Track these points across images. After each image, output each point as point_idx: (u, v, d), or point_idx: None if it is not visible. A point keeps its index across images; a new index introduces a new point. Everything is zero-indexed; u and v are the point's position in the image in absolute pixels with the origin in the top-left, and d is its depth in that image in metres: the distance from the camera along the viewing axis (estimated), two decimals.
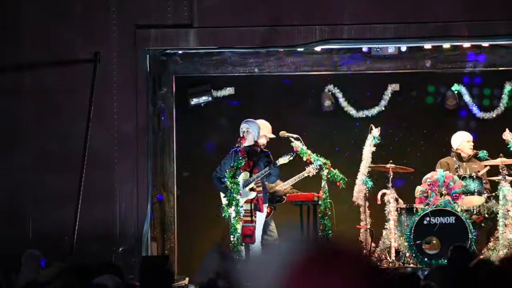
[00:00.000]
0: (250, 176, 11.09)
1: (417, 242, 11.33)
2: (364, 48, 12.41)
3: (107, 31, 11.68)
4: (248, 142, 11.12)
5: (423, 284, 4.94)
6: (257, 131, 11.21)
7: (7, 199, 11.52)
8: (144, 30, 11.69)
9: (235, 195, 10.94)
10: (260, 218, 11.15)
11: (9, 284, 6.52)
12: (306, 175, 11.74)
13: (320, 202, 11.39)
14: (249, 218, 10.97)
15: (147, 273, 6.34)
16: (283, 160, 11.20)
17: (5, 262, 8.14)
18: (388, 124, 12.59)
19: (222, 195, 11.28)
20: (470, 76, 12.94)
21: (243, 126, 11.18)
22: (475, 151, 12.14)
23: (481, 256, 10.65)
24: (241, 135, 11.14)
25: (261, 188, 11.14)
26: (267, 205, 11.39)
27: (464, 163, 12.06)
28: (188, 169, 12.74)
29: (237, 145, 11.08)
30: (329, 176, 11.39)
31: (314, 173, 11.63)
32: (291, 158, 11.27)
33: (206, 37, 11.76)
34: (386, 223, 11.62)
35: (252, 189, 11.09)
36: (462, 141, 12.13)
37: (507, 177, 11.48)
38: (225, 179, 11.03)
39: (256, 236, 11.04)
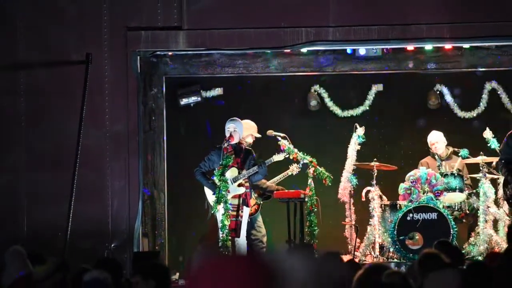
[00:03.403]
0: (239, 172, 11.13)
1: (401, 237, 11.36)
2: (349, 49, 12.43)
3: (98, 33, 11.62)
4: (235, 140, 11.17)
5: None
6: (242, 129, 11.27)
7: (1, 197, 11.47)
8: (135, 32, 11.66)
9: (223, 192, 10.97)
10: (246, 213, 11.19)
11: None
12: (290, 173, 11.80)
13: (306, 199, 11.35)
14: (235, 213, 11.01)
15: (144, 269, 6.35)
16: (277, 157, 11.27)
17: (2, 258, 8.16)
18: (372, 123, 12.62)
19: (206, 190, 11.31)
20: (451, 77, 12.97)
21: (230, 126, 11.20)
22: (453, 148, 12.20)
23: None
24: (229, 134, 11.17)
25: (248, 184, 11.19)
26: (252, 200, 11.45)
27: (445, 161, 12.11)
28: (178, 168, 12.74)
29: (225, 143, 11.10)
30: (315, 173, 11.38)
31: (297, 172, 11.68)
32: (287, 155, 11.33)
33: (195, 39, 11.72)
34: (370, 219, 11.65)
35: (240, 185, 11.14)
36: (428, 143, 12.22)
37: (487, 175, 11.54)
38: (214, 177, 11.08)
39: (241, 231, 11.08)
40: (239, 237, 11.02)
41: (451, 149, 12.18)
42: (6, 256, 6.63)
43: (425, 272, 5.41)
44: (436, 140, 12.17)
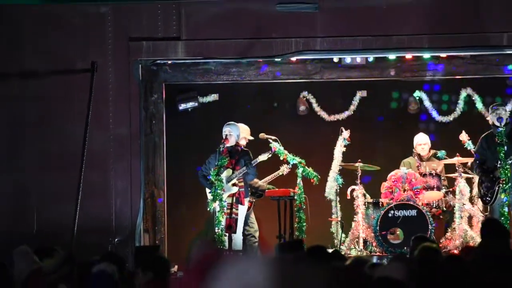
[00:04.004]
0: (233, 173, 11.16)
1: (383, 232, 11.40)
2: (335, 58, 12.44)
3: (103, 43, 11.63)
4: (230, 143, 11.19)
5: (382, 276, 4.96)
6: (238, 133, 11.29)
7: (13, 196, 11.47)
8: (137, 43, 11.67)
9: (219, 191, 11.00)
10: (242, 210, 11.22)
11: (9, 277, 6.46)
12: (280, 173, 11.82)
13: (295, 197, 11.39)
14: (229, 211, 11.03)
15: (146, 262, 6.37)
16: (262, 157, 11.28)
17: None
18: (356, 127, 12.64)
19: (207, 190, 11.35)
20: (430, 84, 12.98)
21: (226, 129, 11.22)
22: (433, 151, 12.23)
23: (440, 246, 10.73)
24: (225, 137, 11.20)
25: (242, 184, 11.21)
26: (248, 199, 11.47)
27: (424, 162, 12.14)
28: (177, 168, 12.75)
29: (221, 145, 11.14)
30: (303, 173, 11.43)
31: (287, 172, 11.72)
32: (270, 155, 11.36)
33: (193, 49, 11.73)
34: (355, 216, 11.65)
35: (234, 185, 11.17)
36: (415, 143, 12.20)
37: (463, 174, 11.55)
38: (210, 176, 11.11)
39: (237, 227, 11.11)
40: (235, 233, 11.05)
41: (432, 151, 12.21)
42: (14, 255, 6.63)
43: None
44: (424, 141, 12.17)
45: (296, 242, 8.57)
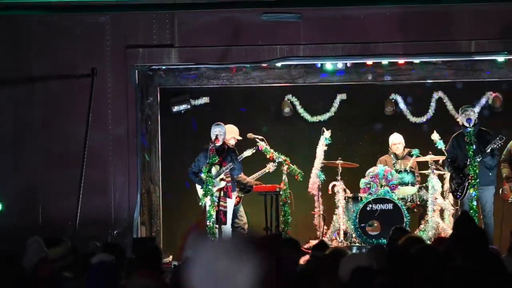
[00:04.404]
0: (220, 169, 11.19)
1: (362, 225, 11.46)
2: (318, 64, 12.47)
3: (102, 50, 11.59)
4: (220, 142, 11.23)
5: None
6: (225, 132, 11.34)
7: (20, 192, 11.45)
8: (134, 49, 11.66)
9: (210, 186, 11.04)
10: (230, 204, 11.26)
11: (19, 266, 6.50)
12: (267, 171, 11.86)
13: (281, 192, 11.43)
14: (218, 204, 11.06)
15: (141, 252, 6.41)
16: (247, 153, 11.31)
17: (20, 244, 8.15)
18: (337, 127, 12.68)
19: (197, 186, 11.38)
20: (404, 87, 13.01)
21: (217, 130, 11.23)
22: (408, 149, 12.28)
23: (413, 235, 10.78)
24: (215, 137, 11.23)
25: (229, 179, 11.24)
26: (235, 193, 11.51)
27: (399, 160, 12.20)
28: (171, 165, 12.77)
29: (211, 144, 11.17)
30: (288, 170, 11.47)
31: (273, 169, 11.77)
32: (254, 151, 11.40)
33: (186, 55, 11.71)
34: (336, 210, 11.68)
35: (222, 179, 11.20)
36: (391, 142, 12.22)
37: (435, 171, 11.58)
38: (202, 173, 11.15)
39: (227, 219, 11.14)
40: (225, 224, 11.09)
41: (406, 150, 12.27)
42: (27, 244, 6.67)
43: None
44: (399, 141, 12.20)
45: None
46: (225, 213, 11.05)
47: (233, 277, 2.58)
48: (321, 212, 11.95)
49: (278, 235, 8.59)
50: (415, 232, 11.30)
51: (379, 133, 12.86)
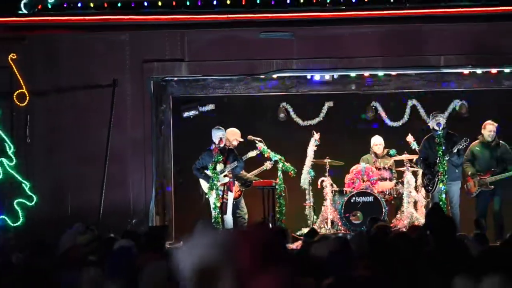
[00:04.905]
0: (225, 166, 11.23)
1: (346, 215, 11.49)
2: (308, 75, 12.50)
3: (122, 64, 11.59)
4: (223, 143, 11.27)
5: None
6: (225, 135, 11.38)
7: (53, 186, 11.46)
8: (149, 63, 11.64)
9: (215, 182, 11.08)
10: (231, 196, 11.28)
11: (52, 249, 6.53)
12: (264, 168, 11.88)
13: (277, 187, 11.45)
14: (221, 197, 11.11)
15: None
16: (251, 153, 11.41)
17: (53, 231, 8.15)
18: (325, 130, 12.69)
19: (201, 181, 11.40)
20: (383, 96, 13.02)
21: (220, 133, 11.22)
22: (387, 149, 12.31)
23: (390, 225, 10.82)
24: (219, 139, 11.25)
25: (232, 175, 11.30)
26: (235, 187, 11.50)
27: (379, 159, 12.24)
28: (182, 164, 12.79)
29: (216, 145, 11.20)
30: (283, 168, 11.51)
31: (270, 167, 11.80)
32: (258, 152, 11.46)
33: (194, 68, 11.67)
34: (324, 202, 11.66)
35: (226, 175, 11.24)
36: (372, 143, 12.21)
37: (409, 168, 11.60)
38: (208, 170, 11.18)
39: (228, 209, 11.19)
40: (226, 214, 11.12)
41: (385, 150, 12.29)
42: (73, 228, 6.75)
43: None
44: (379, 142, 12.18)
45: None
46: (226, 204, 11.09)
47: (215, 266, 2.55)
48: (312, 204, 11.93)
49: (265, 223, 8.61)
50: (392, 221, 11.37)
51: (362, 135, 12.84)
